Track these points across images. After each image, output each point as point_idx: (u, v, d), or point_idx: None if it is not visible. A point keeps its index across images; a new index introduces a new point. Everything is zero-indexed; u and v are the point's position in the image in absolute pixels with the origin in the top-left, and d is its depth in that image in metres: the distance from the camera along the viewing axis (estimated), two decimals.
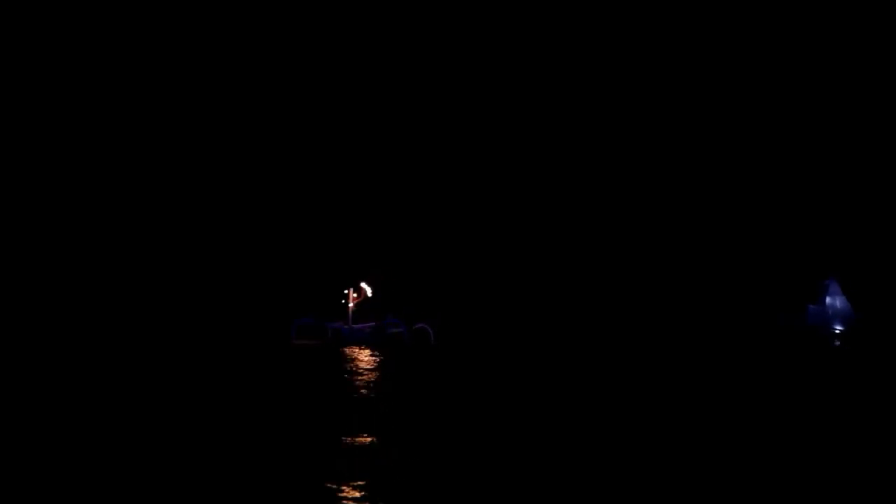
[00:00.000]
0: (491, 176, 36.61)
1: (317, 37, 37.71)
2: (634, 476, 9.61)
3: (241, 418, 12.97)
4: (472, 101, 37.10)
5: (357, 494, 8.77)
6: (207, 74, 37.27)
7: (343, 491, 8.88)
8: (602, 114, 35.57)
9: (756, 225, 34.23)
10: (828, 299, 32.84)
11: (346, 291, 27.11)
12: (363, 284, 28.04)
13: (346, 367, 19.92)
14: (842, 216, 33.49)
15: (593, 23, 34.73)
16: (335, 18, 37.82)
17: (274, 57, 37.58)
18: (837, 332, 31.25)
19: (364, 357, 22.18)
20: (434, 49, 37.06)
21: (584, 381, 17.91)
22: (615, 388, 16.73)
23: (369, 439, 11.23)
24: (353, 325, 26.29)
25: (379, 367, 19.92)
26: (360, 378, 17.69)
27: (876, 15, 30.70)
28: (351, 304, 26.81)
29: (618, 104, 35.48)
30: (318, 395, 15.59)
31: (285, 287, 31.55)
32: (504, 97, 36.84)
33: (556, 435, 12.05)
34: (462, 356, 22.88)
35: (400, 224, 35.94)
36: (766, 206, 34.23)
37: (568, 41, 35.39)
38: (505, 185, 36.44)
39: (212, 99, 37.19)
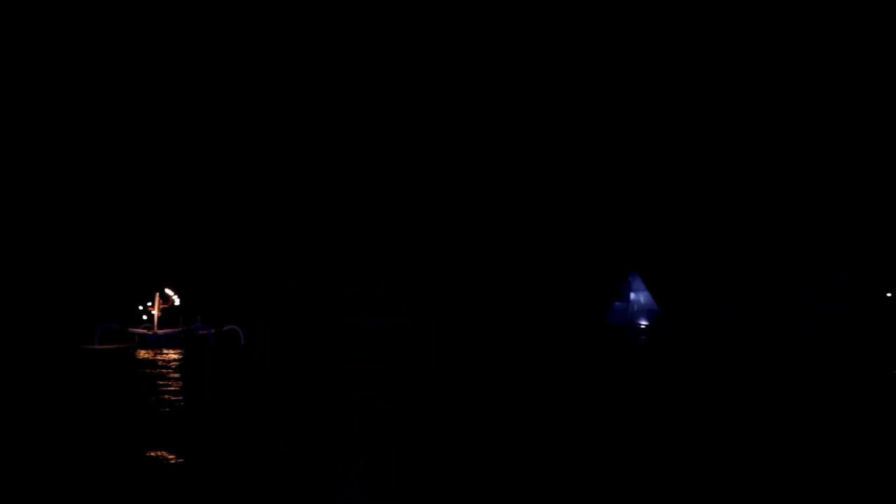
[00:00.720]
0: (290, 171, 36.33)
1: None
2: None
3: (26, 422, 12.08)
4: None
5: None
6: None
7: None
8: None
9: (566, 228, 35.34)
10: (632, 295, 34.38)
11: (149, 301, 26.81)
12: (168, 291, 27.61)
13: (147, 371, 19.13)
14: (644, 217, 34.97)
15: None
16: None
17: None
18: (642, 326, 32.75)
19: (169, 358, 21.49)
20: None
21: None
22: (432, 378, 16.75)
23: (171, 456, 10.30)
24: (159, 331, 25.75)
25: (181, 369, 19.25)
26: (163, 384, 16.91)
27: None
28: (156, 312, 26.41)
29: None
30: (112, 402, 14.56)
31: (90, 292, 30.40)
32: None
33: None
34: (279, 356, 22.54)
35: (208, 232, 35.23)
36: (573, 210, 35.39)
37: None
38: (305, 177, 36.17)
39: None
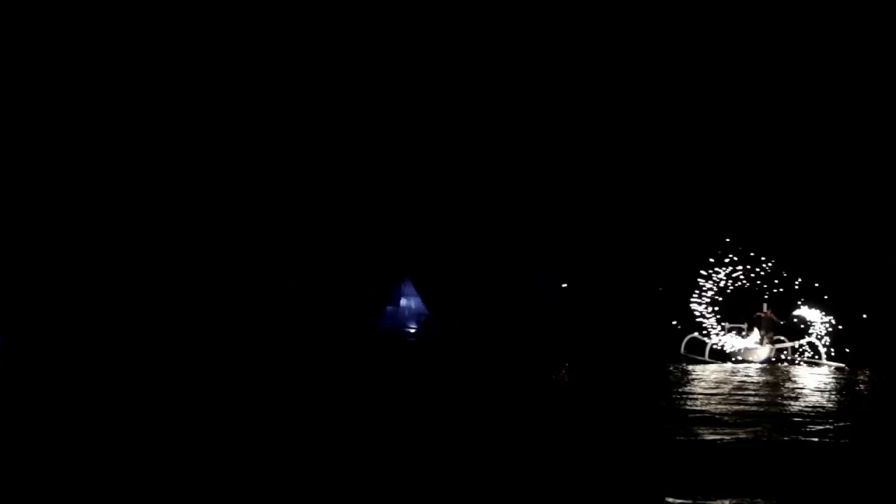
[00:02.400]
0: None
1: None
2: None
3: None
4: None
5: None
6: None
7: None
8: None
9: (340, 234, 36.41)
10: (402, 300, 36.45)
11: None
12: None
13: None
14: (412, 223, 36.74)
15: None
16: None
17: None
18: (412, 330, 34.85)
19: None
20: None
21: None
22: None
23: None
24: None
25: None
26: None
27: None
28: None
29: None
30: None
31: None
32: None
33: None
34: None
35: None
36: (348, 215, 36.51)
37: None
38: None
39: None
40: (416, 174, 36.18)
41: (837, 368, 23.88)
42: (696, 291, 25.71)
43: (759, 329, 25.63)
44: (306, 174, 35.63)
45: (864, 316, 26.24)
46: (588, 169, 34.46)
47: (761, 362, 24.84)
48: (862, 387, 19.31)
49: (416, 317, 35.57)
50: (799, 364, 24.87)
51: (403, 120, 36.28)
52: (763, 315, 25.56)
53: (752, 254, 25.78)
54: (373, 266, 35.77)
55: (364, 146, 35.91)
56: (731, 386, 17.60)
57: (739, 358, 25.01)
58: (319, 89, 35.22)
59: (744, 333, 25.45)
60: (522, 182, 35.09)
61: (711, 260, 25.91)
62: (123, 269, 32.99)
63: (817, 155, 32.06)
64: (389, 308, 36.00)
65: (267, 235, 34.82)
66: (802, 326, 25.51)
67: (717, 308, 25.52)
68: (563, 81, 34.53)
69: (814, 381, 19.62)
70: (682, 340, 25.63)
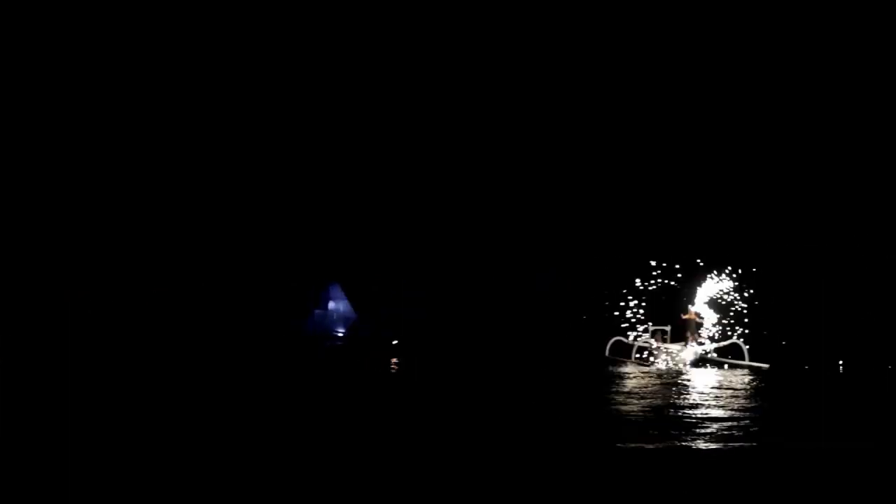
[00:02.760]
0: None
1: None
2: None
3: None
4: None
5: None
6: None
7: None
8: None
9: (268, 236, 35.85)
10: (331, 304, 35.97)
11: None
12: None
13: None
14: (341, 227, 36.31)
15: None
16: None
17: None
18: (340, 333, 34.43)
19: None
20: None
21: None
22: None
23: None
24: None
25: None
26: None
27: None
28: None
29: None
30: None
31: None
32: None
33: None
34: None
35: None
36: (277, 219, 35.98)
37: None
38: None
39: None
40: (345, 176, 35.76)
41: (759, 369, 24.02)
42: (627, 294, 25.69)
43: (685, 331, 25.69)
44: (230, 176, 34.98)
45: (791, 318, 26.49)
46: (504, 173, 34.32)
47: (686, 364, 24.88)
48: (769, 386, 19.41)
49: (345, 321, 35.15)
50: (722, 366, 24.96)
51: (339, 122, 35.89)
52: (688, 317, 25.62)
53: (674, 263, 25.82)
54: (300, 270, 35.25)
55: (289, 147, 35.38)
56: (645, 388, 17.55)
57: (664, 359, 25.03)
58: (230, 87, 34.59)
59: (666, 336, 25.50)
60: (448, 190, 34.91)
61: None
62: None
63: (745, 154, 32.33)
64: (318, 312, 35.52)
65: (190, 238, 34.11)
66: (728, 330, 25.61)
67: (641, 310, 25.52)
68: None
69: (733, 381, 19.70)
70: (606, 343, 25.63)
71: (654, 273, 25.58)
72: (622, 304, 25.62)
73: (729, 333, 25.43)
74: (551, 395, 16.19)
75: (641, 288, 25.55)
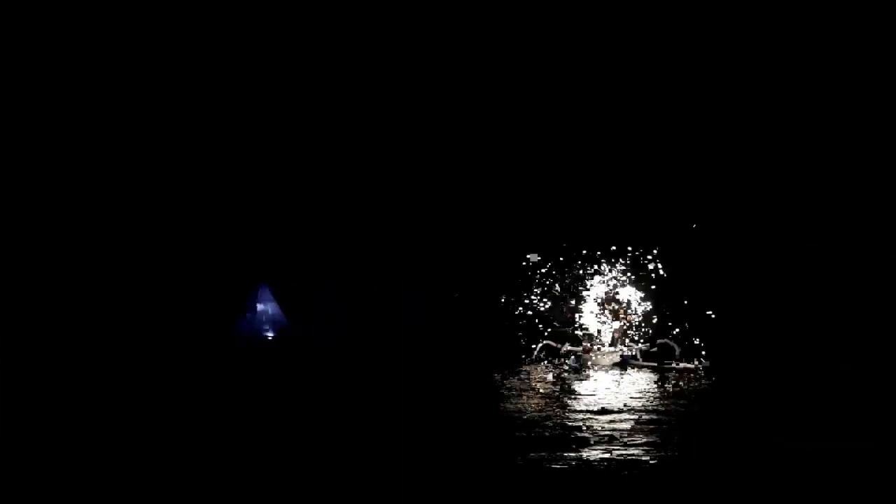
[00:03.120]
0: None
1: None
2: None
3: None
4: None
5: None
6: None
7: None
8: None
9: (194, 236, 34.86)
10: (259, 306, 35.04)
11: None
12: None
13: None
14: (269, 225, 35.42)
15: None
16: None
17: None
18: (269, 337, 33.52)
19: None
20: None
21: None
22: None
23: None
24: None
25: None
26: None
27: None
28: None
29: None
30: None
31: None
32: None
33: None
34: None
35: None
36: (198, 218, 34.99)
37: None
38: None
39: None
40: (271, 171, 34.82)
41: (687, 369, 23.64)
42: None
43: (615, 332, 25.33)
44: (148, 170, 33.84)
45: (719, 316, 26.21)
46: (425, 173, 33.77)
47: (614, 365, 24.49)
48: (692, 386, 18.96)
49: (273, 324, 34.21)
50: (650, 367, 24.59)
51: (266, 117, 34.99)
52: (614, 318, 25.23)
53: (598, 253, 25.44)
54: (226, 270, 34.25)
55: (212, 142, 34.34)
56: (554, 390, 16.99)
57: (592, 362, 24.60)
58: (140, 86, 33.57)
59: (595, 338, 25.07)
60: (378, 192, 34.25)
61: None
62: None
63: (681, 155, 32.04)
64: (247, 315, 34.52)
65: (103, 236, 32.94)
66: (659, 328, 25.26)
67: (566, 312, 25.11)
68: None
69: (662, 381, 19.24)
70: (535, 347, 25.20)
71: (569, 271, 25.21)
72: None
73: (660, 334, 25.08)
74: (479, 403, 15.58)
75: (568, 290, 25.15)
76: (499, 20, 32.90)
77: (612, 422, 13.16)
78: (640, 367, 24.22)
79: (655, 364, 24.54)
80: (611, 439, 11.59)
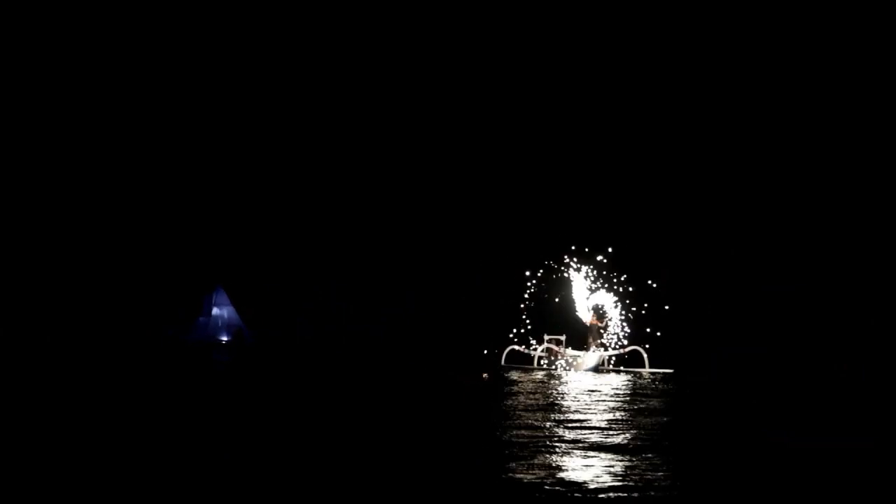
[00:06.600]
0: None
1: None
2: None
3: None
4: None
5: None
6: None
7: None
8: None
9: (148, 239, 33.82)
10: (215, 310, 33.84)
11: None
12: None
13: None
14: (225, 229, 34.58)
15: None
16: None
17: None
18: (224, 341, 32.36)
19: None
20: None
21: None
22: None
23: None
24: None
25: None
26: None
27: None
28: None
29: None
30: None
31: None
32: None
33: None
34: None
35: None
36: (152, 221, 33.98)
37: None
38: None
39: None
40: (227, 175, 33.95)
41: (656, 374, 23.21)
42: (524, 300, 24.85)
43: (587, 336, 24.94)
44: (102, 172, 32.77)
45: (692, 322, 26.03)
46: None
47: (587, 370, 24.02)
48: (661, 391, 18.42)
49: (229, 327, 33.15)
50: (620, 371, 24.15)
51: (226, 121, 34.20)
52: (589, 323, 24.79)
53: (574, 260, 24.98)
54: (181, 274, 33.16)
55: (168, 146, 33.40)
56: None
57: (565, 367, 24.09)
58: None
59: (562, 343, 24.56)
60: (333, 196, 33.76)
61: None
62: None
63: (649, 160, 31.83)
64: (201, 319, 33.44)
65: (57, 237, 31.80)
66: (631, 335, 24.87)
67: (536, 317, 24.66)
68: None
69: (631, 386, 18.67)
70: (503, 351, 24.77)
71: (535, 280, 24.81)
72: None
73: (631, 340, 24.68)
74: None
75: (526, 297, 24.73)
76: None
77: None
78: (615, 372, 23.89)
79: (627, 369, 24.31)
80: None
